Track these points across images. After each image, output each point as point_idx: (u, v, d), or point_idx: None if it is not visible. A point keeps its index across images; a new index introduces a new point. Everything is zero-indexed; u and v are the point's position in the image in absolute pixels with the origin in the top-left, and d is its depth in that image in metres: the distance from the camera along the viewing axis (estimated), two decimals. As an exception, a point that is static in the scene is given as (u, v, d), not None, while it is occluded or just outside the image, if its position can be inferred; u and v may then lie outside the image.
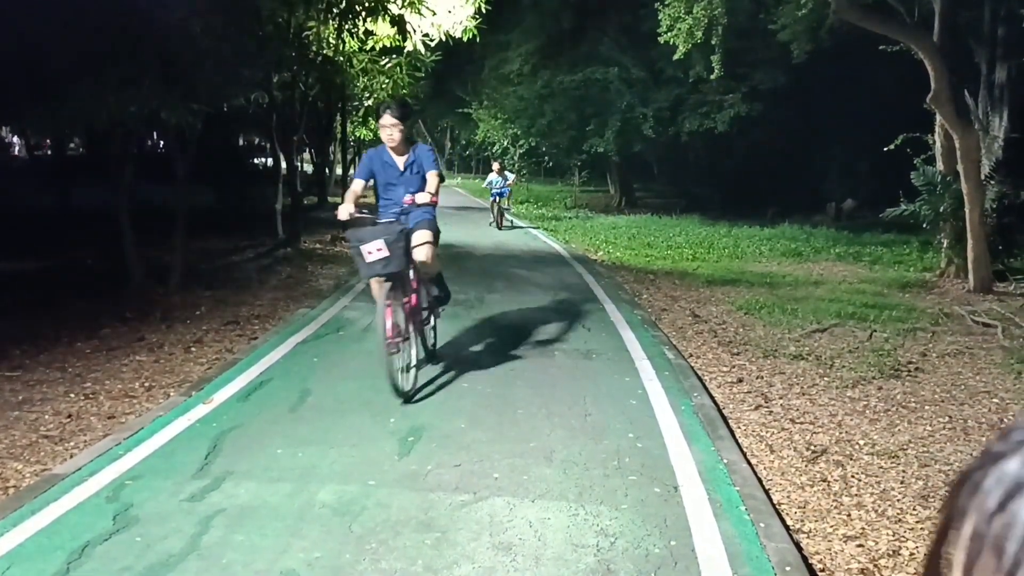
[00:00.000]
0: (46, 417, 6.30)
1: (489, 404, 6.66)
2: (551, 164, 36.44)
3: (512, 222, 23.53)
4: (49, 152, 28.94)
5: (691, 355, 8.62)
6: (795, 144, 25.27)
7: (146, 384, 7.20)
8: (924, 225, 14.06)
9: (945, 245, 13.76)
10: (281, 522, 4.46)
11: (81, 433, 5.98)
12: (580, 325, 9.83)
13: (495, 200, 22.28)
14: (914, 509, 4.93)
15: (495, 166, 23.34)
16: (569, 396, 6.91)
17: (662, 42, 19.04)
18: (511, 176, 24.10)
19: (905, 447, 5.96)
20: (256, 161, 39.11)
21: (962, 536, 0.39)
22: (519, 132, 31.21)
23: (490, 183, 22.65)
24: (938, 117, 13.16)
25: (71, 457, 5.49)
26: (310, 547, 4.19)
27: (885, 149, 14.49)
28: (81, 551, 4.10)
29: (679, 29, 17.88)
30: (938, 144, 13.74)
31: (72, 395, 6.86)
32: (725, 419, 6.54)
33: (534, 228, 23.25)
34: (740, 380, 7.70)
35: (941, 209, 13.26)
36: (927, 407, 6.92)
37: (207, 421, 6.13)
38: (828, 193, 25.08)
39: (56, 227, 17.26)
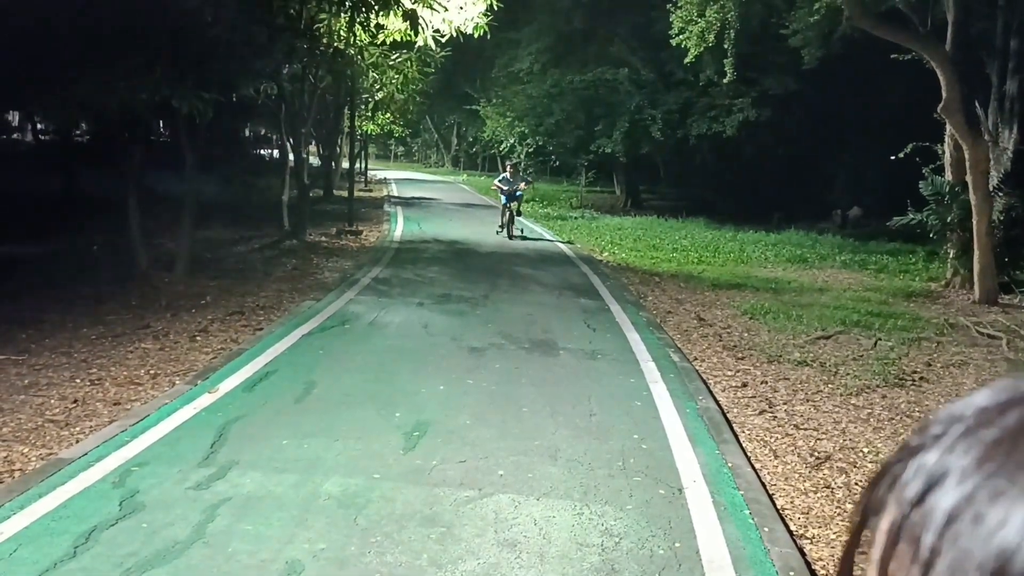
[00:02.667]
0: (52, 402, 6.31)
1: (494, 401, 6.67)
2: (558, 163, 36.41)
3: (523, 230, 19.72)
4: (49, 137, 28.90)
5: (696, 358, 8.62)
6: (803, 150, 25.25)
7: (151, 372, 7.21)
8: (931, 235, 14.04)
9: (951, 255, 13.75)
10: (286, 512, 4.47)
11: (87, 418, 5.99)
12: (585, 325, 9.83)
13: (507, 204, 19.25)
14: (918, 518, 4.92)
15: (508, 167, 20.65)
16: (574, 396, 6.92)
17: (673, 45, 19.03)
18: (522, 183, 20.37)
19: (909, 456, 5.95)
20: (262, 152, 39.13)
21: (879, 530, 0.40)
22: (527, 130, 31.20)
23: (503, 180, 19.66)
24: (948, 127, 13.14)
25: (77, 442, 5.50)
26: (315, 538, 4.20)
27: (893, 158, 14.47)
28: (88, 535, 4.11)
29: (691, 32, 17.88)
30: (947, 154, 13.72)
31: (78, 380, 6.86)
32: (730, 423, 6.54)
33: (551, 236, 20.42)
34: (745, 384, 7.70)
35: (948, 219, 13.24)
36: (931, 417, 6.90)
37: (213, 410, 6.14)
38: (835, 200, 25.05)
39: (61, 212, 17.26)
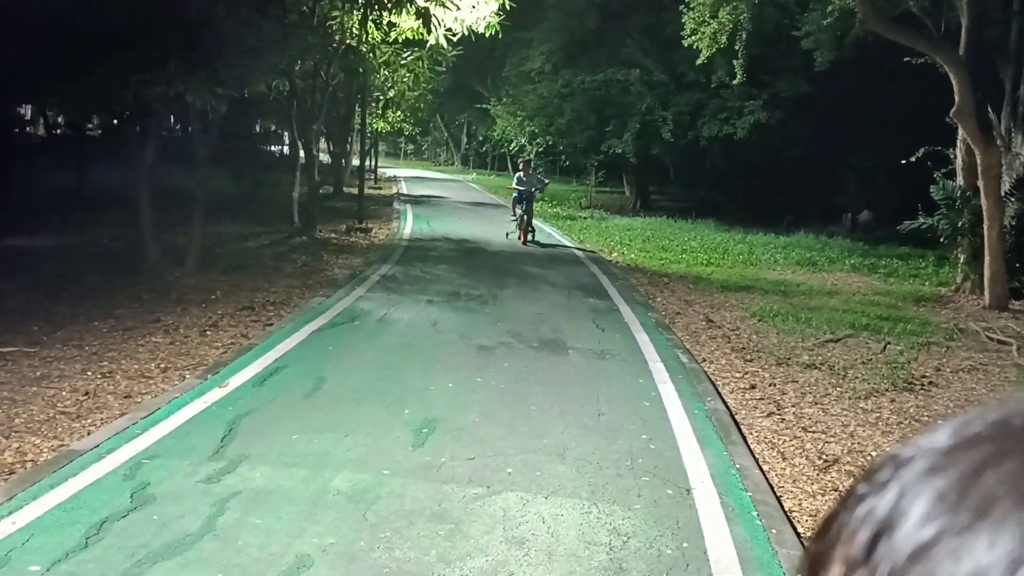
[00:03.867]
0: (63, 393, 6.35)
1: (502, 400, 6.69)
2: (567, 163, 36.41)
3: (534, 232, 18.32)
4: (61, 131, 29.05)
5: (704, 359, 8.62)
6: (814, 153, 25.17)
7: (162, 365, 7.25)
8: (941, 240, 14.00)
9: (962, 260, 13.70)
10: (296, 507, 4.49)
11: (98, 411, 6.03)
12: (594, 325, 9.84)
13: (520, 205, 18.05)
14: (926, 522, 4.92)
15: (522, 167, 19.19)
16: (582, 395, 6.93)
17: (685, 46, 19.01)
18: (539, 179, 19.25)
19: (918, 460, 5.94)
20: (273, 149, 39.21)
21: None
22: (537, 130, 31.20)
23: (518, 180, 18.32)
24: (960, 132, 13.10)
25: (88, 434, 5.54)
26: (324, 532, 4.22)
27: (904, 162, 14.43)
28: (99, 526, 4.14)
29: (703, 33, 17.85)
30: (959, 159, 13.68)
31: (89, 373, 6.90)
32: (738, 424, 6.55)
33: (560, 235, 19.92)
34: (753, 387, 7.70)
35: (959, 224, 13.20)
36: (940, 421, 6.86)
37: (223, 404, 6.17)
38: (845, 204, 24.97)
39: (73, 206, 17.34)
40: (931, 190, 13.70)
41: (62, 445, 5.33)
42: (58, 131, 30.46)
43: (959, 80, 12.04)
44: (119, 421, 5.76)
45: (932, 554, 0.33)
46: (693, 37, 18.35)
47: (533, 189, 18.27)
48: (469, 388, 6.95)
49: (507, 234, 18.43)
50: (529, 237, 17.91)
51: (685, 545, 4.34)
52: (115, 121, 19.49)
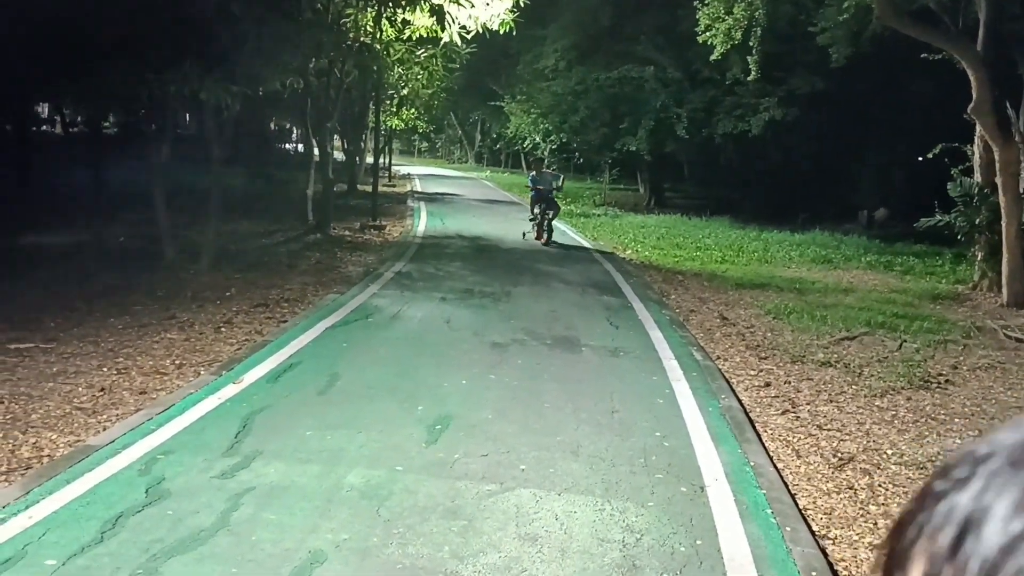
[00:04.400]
0: (79, 389, 6.39)
1: (516, 397, 6.68)
2: (581, 161, 36.36)
3: (550, 234, 17.46)
4: (78, 129, 29.18)
5: (719, 357, 8.59)
6: (829, 150, 25.02)
7: (177, 362, 7.28)
8: (959, 237, 13.88)
9: (979, 258, 13.58)
10: (310, 503, 4.50)
11: (113, 407, 6.06)
12: (608, 322, 9.82)
13: (538, 204, 17.33)
14: (942, 521, 4.88)
15: (537, 167, 18.66)
16: (596, 392, 6.91)
17: (700, 42, 18.93)
18: (555, 177, 18.39)
19: (934, 459, 5.90)
20: (287, 146, 39.34)
21: None
22: (551, 127, 31.16)
23: (532, 179, 17.74)
24: (978, 128, 12.98)
25: (104, 430, 5.57)
26: (338, 528, 4.23)
27: (921, 159, 14.34)
28: (115, 521, 4.17)
29: (717, 29, 17.76)
30: (977, 155, 13.55)
31: (105, 369, 6.94)
32: (752, 422, 6.52)
33: (574, 233, 19.66)
34: (768, 384, 7.66)
35: (977, 221, 13.08)
36: (957, 420, 6.85)
37: (237, 401, 6.19)
38: (861, 201, 24.82)
39: (90, 204, 17.45)
40: (948, 187, 13.59)
41: (78, 440, 5.37)
42: (75, 129, 30.64)
43: (977, 76, 11.94)
44: (134, 417, 5.79)
45: (1013, 557, 0.33)
46: (707, 33, 18.25)
47: (552, 188, 17.38)
48: (483, 385, 6.95)
49: (523, 234, 17.96)
50: (547, 237, 17.23)
51: (699, 542, 4.32)
52: (130, 120, 19.60)
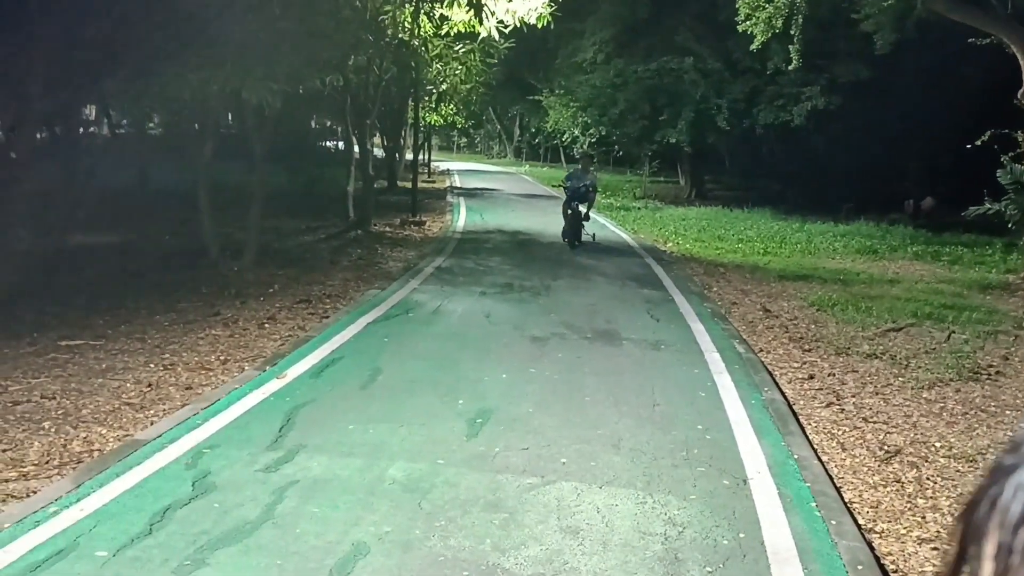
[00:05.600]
0: (128, 385, 6.51)
1: (556, 390, 6.68)
2: (621, 154, 36.15)
3: (594, 235, 15.92)
4: (124, 131, 29.68)
5: (761, 349, 8.50)
6: (874, 139, 24.57)
7: (221, 357, 7.39)
8: (1009, 225, 13.57)
9: (1031, 247, 13.29)
10: (352, 496, 4.54)
11: (160, 402, 6.17)
12: (648, 315, 9.77)
13: (570, 205, 15.37)
14: (993, 515, 4.78)
15: (584, 162, 17.17)
16: (637, 385, 6.88)
17: (740, 31, 18.71)
18: (593, 178, 16.17)
19: (984, 451, 5.78)
20: (328, 144, 39.66)
21: (984, 556, 0.38)
22: (590, 121, 31.01)
23: (567, 177, 16.00)
24: (1028, 113, 12.69)
25: (151, 424, 5.68)
26: (380, 521, 4.26)
27: (969, 146, 14.01)
28: (163, 513, 4.25)
29: (757, 18, 17.54)
30: (1027, 142, 13.24)
31: (152, 365, 7.07)
32: (795, 415, 6.44)
33: (614, 226, 18.72)
34: (811, 376, 7.57)
35: (1028, 209, 12.80)
36: (1008, 412, 6.70)
37: (281, 395, 6.27)
38: (906, 190, 24.36)
39: (136, 203, 17.77)
40: (998, 174, 13.29)
41: (127, 435, 5.47)
42: (121, 131, 31.21)
43: (1026, 60, 11.66)
44: (181, 412, 5.89)
45: None
46: (748, 22, 18.03)
47: (582, 187, 15.31)
48: (523, 379, 6.96)
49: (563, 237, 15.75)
50: (587, 237, 15.47)
51: (742, 535, 4.28)
52: (174, 120, 19.92)
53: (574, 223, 15.30)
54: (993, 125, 13.59)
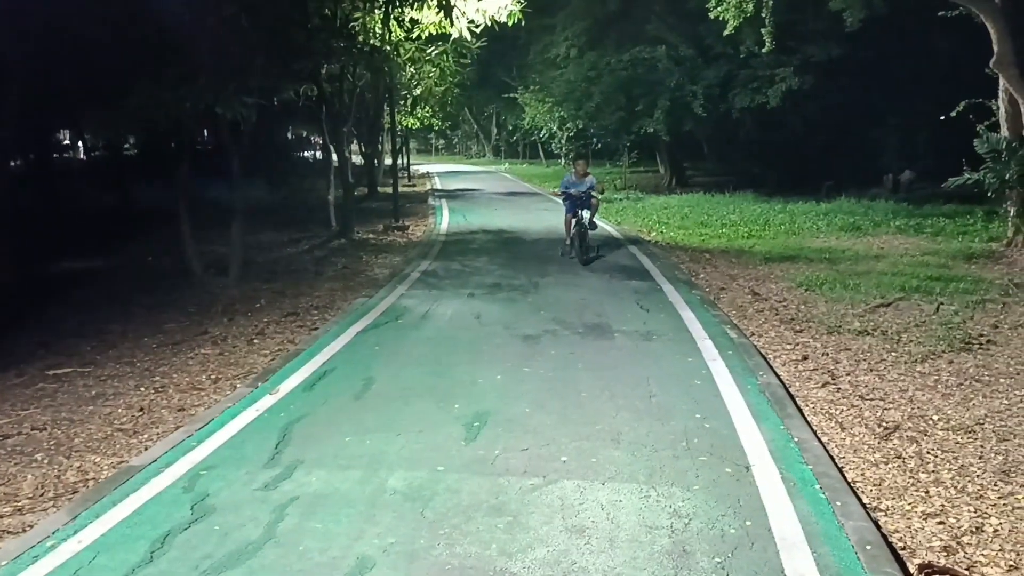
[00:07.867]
0: (119, 411, 6.45)
1: (551, 388, 6.64)
2: (599, 146, 36.16)
3: (598, 249, 14.28)
4: (99, 153, 29.50)
5: (753, 333, 8.49)
6: (850, 116, 24.65)
7: (212, 376, 7.32)
8: (989, 194, 13.61)
9: (1012, 214, 13.32)
10: (354, 509, 4.50)
11: (153, 426, 6.11)
12: (638, 306, 9.75)
13: (573, 215, 13.54)
14: (995, 485, 4.79)
15: (579, 166, 14.48)
16: (632, 378, 6.86)
17: (711, 18, 18.72)
18: (592, 180, 13.88)
19: (982, 421, 5.79)
20: (306, 154, 39.51)
21: None
22: (566, 115, 30.99)
23: (565, 186, 13.85)
24: (1002, 81, 12.74)
25: (146, 449, 5.61)
26: (384, 532, 4.22)
27: (944, 117, 14.05)
28: (163, 540, 4.19)
29: (729, 3, 17.56)
30: (1002, 109, 13.28)
31: (142, 389, 7.00)
32: (792, 397, 6.43)
33: (597, 219, 17.23)
34: (805, 358, 7.56)
35: (1007, 177, 12.81)
36: (1002, 380, 6.72)
37: (275, 411, 6.21)
38: (885, 165, 24.44)
39: (117, 226, 17.63)
40: (975, 144, 13.33)
41: (121, 462, 5.41)
42: (96, 153, 30.99)
43: (997, 28, 11.72)
44: (175, 434, 5.82)
45: None
46: (719, 8, 18.06)
47: (584, 194, 13.53)
48: (517, 379, 6.92)
49: (561, 252, 14.06)
50: (585, 257, 13.29)
51: (748, 523, 4.26)
52: (149, 140, 19.81)
53: (582, 236, 13.38)
54: (967, 95, 13.64)
